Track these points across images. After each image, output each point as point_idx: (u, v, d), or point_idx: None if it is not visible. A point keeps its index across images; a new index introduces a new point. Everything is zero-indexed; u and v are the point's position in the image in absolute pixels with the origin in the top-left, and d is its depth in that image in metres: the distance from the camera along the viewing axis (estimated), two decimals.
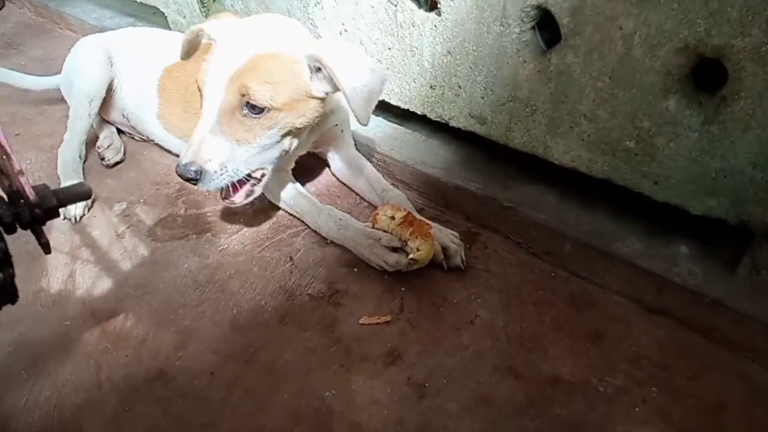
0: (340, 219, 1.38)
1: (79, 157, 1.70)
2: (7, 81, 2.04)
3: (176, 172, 1.20)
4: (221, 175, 1.21)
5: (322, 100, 1.26)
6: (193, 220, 1.53)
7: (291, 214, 1.51)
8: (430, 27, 1.37)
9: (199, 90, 1.23)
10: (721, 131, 1.03)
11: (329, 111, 1.38)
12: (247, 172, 1.26)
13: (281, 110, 1.20)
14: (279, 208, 1.53)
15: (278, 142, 1.26)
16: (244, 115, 1.19)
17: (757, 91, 0.96)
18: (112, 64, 1.74)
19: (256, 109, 1.18)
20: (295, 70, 1.21)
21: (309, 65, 1.21)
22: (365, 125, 1.24)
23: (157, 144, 1.80)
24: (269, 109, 1.19)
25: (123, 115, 1.80)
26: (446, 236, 1.32)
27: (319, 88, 1.23)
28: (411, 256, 1.23)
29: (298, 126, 1.26)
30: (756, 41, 0.93)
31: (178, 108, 1.62)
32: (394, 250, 1.27)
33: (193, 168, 1.18)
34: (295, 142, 1.31)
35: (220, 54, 1.20)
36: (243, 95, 1.17)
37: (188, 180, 1.20)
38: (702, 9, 0.96)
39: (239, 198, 1.31)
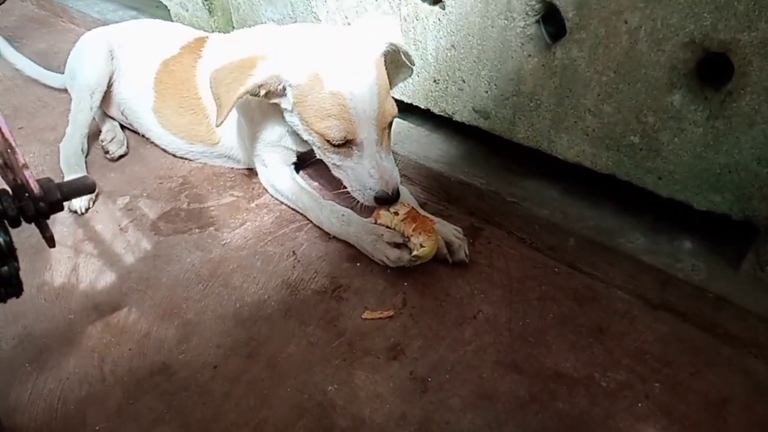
0: (343, 215, 1.38)
1: (82, 150, 1.70)
2: (18, 66, 2.08)
3: (378, 200, 1.27)
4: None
5: None
6: (196, 215, 1.53)
7: (294, 209, 1.50)
8: (434, 21, 1.36)
9: (348, 143, 1.24)
10: (727, 126, 1.03)
11: None
12: None
13: None
14: (282, 203, 1.53)
15: None
16: (388, 133, 1.29)
17: (763, 86, 0.96)
18: (113, 57, 1.73)
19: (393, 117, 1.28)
20: (382, 65, 1.28)
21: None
22: (415, 64, 1.36)
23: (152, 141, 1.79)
24: None
25: (121, 111, 1.80)
26: (449, 231, 1.32)
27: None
28: (414, 252, 1.22)
29: None
30: (763, 36, 0.92)
31: (173, 102, 1.61)
32: (397, 245, 1.27)
33: (393, 192, 1.26)
34: None
35: (348, 97, 1.19)
36: (390, 123, 1.27)
37: (392, 202, 1.28)
38: (708, 3, 0.95)
39: None
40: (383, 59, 1.29)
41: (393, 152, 1.56)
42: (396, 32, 1.33)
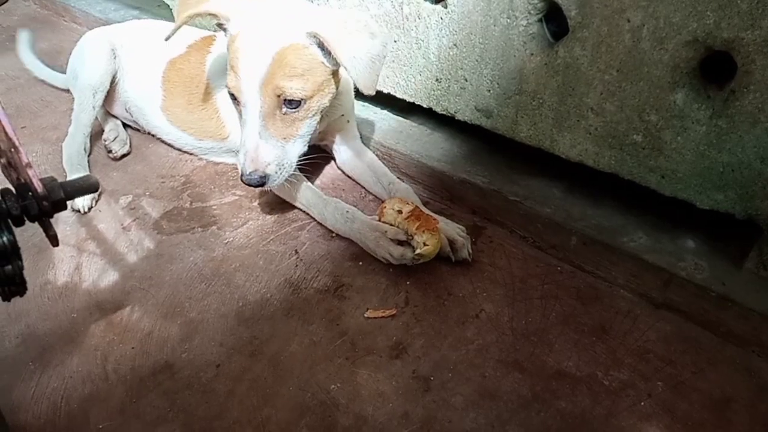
0: (347, 212, 1.38)
1: (84, 149, 1.70)
2: (48, 80, 2.08)
3: (242, 181, 1.27)
4: (281, 173, 1.28)
5: (336, 72, 1.29)
6: (198, 213, 1.53)
7: (297, 207, 1.51)
8: (437, 19, 1.36)
9: (234, 97, 1.26)
10: (729, 125, 1.03)
11: (341, 85, 1.38)
12: (296, 160, 1.32)
13: (313, 96, 1.25)
14: (284, 202, 1.53)
15: (316, 125, 1.32)
16: (285, 114, 1.24)
17: (766, 84, 0.95)
18: (116, 56, 1.74)
19: (293, 104, 1.23)
20: (312, 53, 1.23)
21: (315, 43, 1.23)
22: (371, 94, 1.25)
23: (159, 138, 1.80)
24: (305, 100, 1.24)
25: (126, 108, 1.80)
26: (452, 230, 1.32)
27: (328, 61, 1.25)
28: (418, 251, 1.22)
29: (327, 103, 1.31)
30: (766, 34, 0.92)
31: (182, 100, 1.62)
32: (400, 243, 1.27)
33: (256, 176, 1.24)
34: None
35: (243, 55, 1.21)
36: (279, 96, 1.21)
37: (256, 186, 1.27)
38: (711, 1, 0.95)
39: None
40: (305, 46, 1.22)
41: (395, 150, 1.58)
42: (352, 35, 1.21)
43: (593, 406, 1.03)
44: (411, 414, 1.03)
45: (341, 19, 1.24)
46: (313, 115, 1.29)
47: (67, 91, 1.99)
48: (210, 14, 1.28)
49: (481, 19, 1.27)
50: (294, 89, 1.21)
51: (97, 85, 1.70)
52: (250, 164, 1.24)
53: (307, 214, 1.48)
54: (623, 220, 1.28)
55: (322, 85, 1.26)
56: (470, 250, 1.31)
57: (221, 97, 1.54)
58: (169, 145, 1.77)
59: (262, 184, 1.26)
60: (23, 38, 2.15)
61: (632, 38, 1.06)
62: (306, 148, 1.34)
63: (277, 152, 1.26)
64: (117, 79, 1.75)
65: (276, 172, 1.27)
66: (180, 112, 1.65)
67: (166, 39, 1.33)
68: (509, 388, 1.07)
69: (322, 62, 1.24)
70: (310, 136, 1.33)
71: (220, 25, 1.31)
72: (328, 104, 1.31)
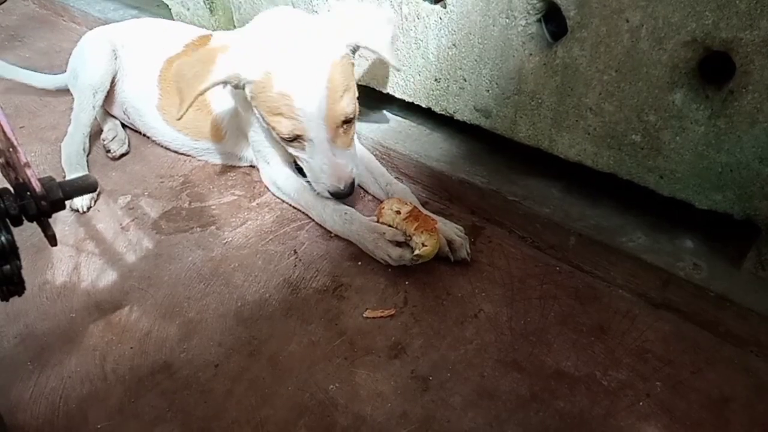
0: (345, 213, 1.38)
1: (83, 149, 1.70)
2: (18, 79, 2.05)
3: (331, 194, 1.35)
4: (358, 169, 1.37)
5: None
6: (197, 213, 1.53)
7: (296, 208, 1.51)
8: (435, 19, 1.36)
9: (288, 139, 1.28)
10: (728, 125, 1.03)
11: None
12: None
13: (356, 99, 1.31)
14: (283, 202, 1.53)
15: None
16: (345, 130, 1.30)
17: (765, 84, 0.95)
18: (116, 57, 1.74)
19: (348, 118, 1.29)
20: (349, 66, 1.29)
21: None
22: (401, 69, 1.40)
23: (156, 140, 1.79)
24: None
25: (123, 111, 1.80)
26: (451, 230, 1.32)
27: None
28: (416, 252, 1.22)
29: None
30: (765, 34, 0.92)
31: (178, 99, 1.61)
32: (398, 244, 1.27)
33: (347, 186, 1.32)
34: None
35: (296, 96, 1.21)
36: (343, 120, 1.27)
37: (350, 193, 1.35)
38: (710, 1, 0.95)
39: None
40: (347, 60, 1.27)
41: (394, 150, 1.58)
42: (379, 30, 1.30)
43: (592, 406, 1.03)
44: (410, 414, 1.03)
45: (360, 15, 1.30)
46: (356, 120, 1.34)
47: (64, 90, 1.99)
48: (220, 84, 1.26)
49: (480, 19, 1.27)
50: (351, 106, 1.27)
51: (98, 85, 1.70)
52: (338, 182, 1.31)
53: (306, 214, 1.48)
54: (622, 220, 1.29)
55: (355, 91, 1.32)
56: (469, 250, 1.31)
57: (215, 100, 1.55)
58: (166, 147, 1.77)
59: (353, 187, 1.33)
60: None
61: (631, 38, 1.07)
62: None
63: (350, 156, 1.33)
64: (116, 80, 1.75)
65: (355, 170, 1.34)
66: (175, 111, 1.64)
67: (178, 119, 1.32)
68: (508, 388, 1.07)
69: (353, 63, 1.29)
70: None
71: (235, 86, 1.29)
72: None
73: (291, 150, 1.34)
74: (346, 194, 1.34)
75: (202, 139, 1.64)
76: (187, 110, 1.28)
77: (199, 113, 1.59)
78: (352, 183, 1.33)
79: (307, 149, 1.29)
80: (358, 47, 1.28)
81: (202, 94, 1.26)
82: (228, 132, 1.59)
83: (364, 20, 1.29)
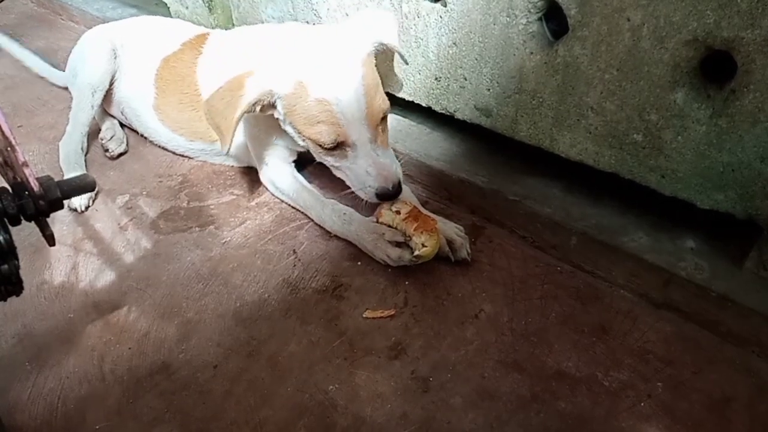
0: (345, 213, 1.37)
1: (82, 149, 1.69)
2: (25, 62, 2.08)
3: (379, 197, 1.28)
4: (399, 167, 1.32)
5: None
6: (195, 213, 1.52)
7: (295, 208, 1.50)
8: (436, 18, 1.35)
9: (339, 145, 1.25)
10: (730, 124, 1.02)
11: None
12: None
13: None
14: (282, 202, 1.53)
15: None
16: (382, 128, 1.29)
17: (766, 83, 0.95)
18: (116, 56, 1.73)
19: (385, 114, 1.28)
20: (373, 60, 1.29)
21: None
22: (409, 64, 1.44)
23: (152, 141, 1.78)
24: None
25: (121, 111, 1.79)
26: (451, 229, 1.31)
27: None
28: (416, 252, 1.22)
29: None
30: (766, 33, 0.91)
31: (174, 99, 1.61)
32: (398, 245, 1.27)
33: (394, 186, 1.27)
34: None
35: (336, 102, 1.19)
36: (382, 117, 1.27)
37: (398, 193, 1.29)
38: (711, 0, 0.94)
39: None
40: (372, 58, 1.29)
41: (393, 150, 1.57)
42: (390, 29, 1.33)
43: (593, 406, 1.03)
44: (410, 415, 1.03)
45: (378, 17, 1.34)
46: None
47: (64, 88, 1.99)
48: (253, 105, 1.23)
49: (480, 18, 1.27)
50: (386, 101, 1.27)
51: (97, 84, 1.69)
52: (385, 182, 1.26)
53: (305, 214, 1.47)
54: (623, 220, 1.28)
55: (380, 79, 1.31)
56: (469, 250, 1.30)
57: None
58: (163, 147, 1.76)
59: (401, 187, 1.29)
60: (4, 41, 2.15)
61: (632, 37, 1.06)
62: None
63: (391, 156, 1.31)
64: (114, 79, 1.74)
65: (399, 170, 1.30)
66: (171, 111, 1.63)
67: (226, 153, 1.33)
68: (508, 389, 1.06)
69: (374, 61, 1.30)
70: None
71: (262, 109, 1.27)
72: None
73: (330, 161, 1.30)
74: (394, 195, 1.28)
75: (197, 139, 1.63)
76: (232, 140, 1.26)
77: (194, 113, 1.58)
78: (399, 182, 1.28)
79: (350, 155, 1.26)
80: (383, 45, 1.29)
81: (239, 120, 1.23)
82: None
83: (379, 22, 1.31)
